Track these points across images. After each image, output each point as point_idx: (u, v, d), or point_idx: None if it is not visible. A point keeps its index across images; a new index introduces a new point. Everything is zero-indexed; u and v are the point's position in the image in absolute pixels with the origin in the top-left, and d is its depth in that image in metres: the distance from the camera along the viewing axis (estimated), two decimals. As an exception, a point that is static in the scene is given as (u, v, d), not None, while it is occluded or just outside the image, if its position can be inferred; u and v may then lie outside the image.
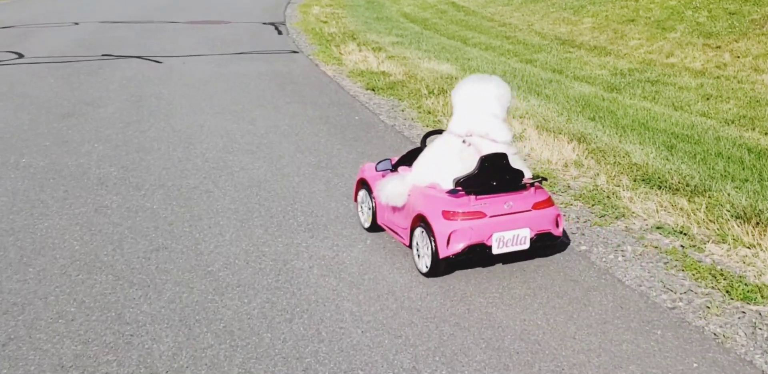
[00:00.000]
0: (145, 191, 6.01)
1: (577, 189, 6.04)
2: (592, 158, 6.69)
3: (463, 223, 4.29)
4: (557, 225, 4.57)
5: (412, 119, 8.22)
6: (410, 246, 4.65)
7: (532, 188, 4.50)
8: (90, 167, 6.66)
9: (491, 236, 4.33)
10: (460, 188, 4.32)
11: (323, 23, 17.01)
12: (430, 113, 8.43)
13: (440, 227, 4.30)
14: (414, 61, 11.70)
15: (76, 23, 18.16)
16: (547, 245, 4.64)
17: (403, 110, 8.60)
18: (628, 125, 7.85)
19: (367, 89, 9.79)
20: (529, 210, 4.43)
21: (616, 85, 10.59)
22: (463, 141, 4.47)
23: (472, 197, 4.33)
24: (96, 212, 5.59)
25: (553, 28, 16.16)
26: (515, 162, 4.44)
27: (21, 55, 13.13)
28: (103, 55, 13.01)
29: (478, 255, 4.38)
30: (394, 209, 4.75)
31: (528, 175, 4.52)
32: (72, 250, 4.91)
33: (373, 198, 4.96)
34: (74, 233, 5.19)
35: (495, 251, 4.37)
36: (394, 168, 4.92)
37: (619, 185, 6.04)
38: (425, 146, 4.80)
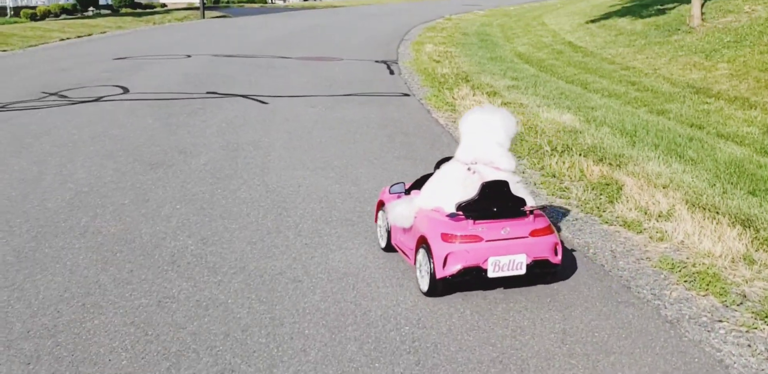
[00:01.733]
0: (222, 275, 4.83)
1: (757, 300, 4.53)
2: (765, 250, 5.18)
3: (459, 246, 4.36)
4: (556, 253, 4.54)
5: (535, 185, 6.87)
6: (414, 264, 4.70)
7: (532, 216, 4.52)
8: (165, 237, 5.53)
9: (487, 259, 4.37)
10: (460, 212, 4.40)
11: (436, 63, 15.78)
12: (554, 176, 7.09)
13: (438, 248, 4.37)
14: (532, 109, 10.31)
15: (189, 56, 17.48)
16: (546, 272, 4.60)
17: (523, 172, 7.24)
18: (800, 201, 6.23)
19: (484, 143, 8.47)
20: (527, 237, 4.45)
21: (772, 147, 8.81)
22: (468, 168, 4.62)
23: (471, 221, 4.41)
24: (158, 305, 4.42)
25: (683, 74, 14.22)
26: (518, 190, 4.55)
27: (126, 90, 12.38)
28: (207, 92, 12.09)
29: (474, 278, 4.40)
30: (405, 230, 4.83)
31: (531, 203, 4.57)
32: (117, 367, 3.72)
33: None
34: (125, 338, 4.03)
35: (490, 274, 4.40)
36: (407, 192, 5.04)
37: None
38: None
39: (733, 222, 5.64)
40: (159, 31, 27.70)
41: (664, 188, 6.55)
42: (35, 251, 5.29)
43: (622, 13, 23.61)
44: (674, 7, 20.85)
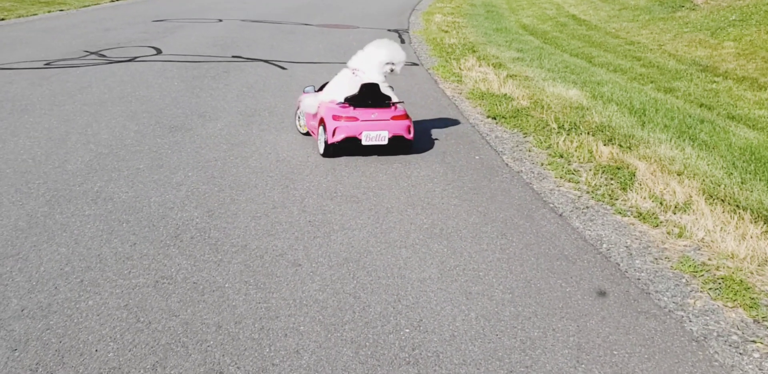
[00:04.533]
0: (223, 254, 4.11)
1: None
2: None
3: (343, 122, 5.67)
4: (409, 132, 5.86)
5: (542, 165, 6.02)
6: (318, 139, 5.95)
7: (393, 107, 5.81)
8: (173, 207, 4.81)
9: (361, 132, 5.70)
10: (345, 102, 5.76)
11: (444, 33, 14.76)
12: (562, 156, 6.19)
13: (330, 124, 5.68)
14: (538, 82, 9.34)
15: (220, 20, 16.48)
16: (402, 145, 5.93)
17: (529, 150, 6.42)
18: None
19: (488, 117, 7.62)
20: (389, 120, 5.75)
21: (787, 132, 7.76)
22: (353, 72, 5.97)
23: (351, 108, 5.74)
24: (155, 286, 3.72)
25: (689, 51, 12.84)
26: (385, 90, 5.87)
27: (159, 51, 11.50)
28: (233, 56, 11.21)
29: (353, 145, 5.75)
30: (312, 116, 6.15)
31: (394, 99, 5.89)
32: (102, 361, 3.04)
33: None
34: (116, 325, 3.36)
35: (364, 142, 5.74)
36: (315, 91, 6.29)
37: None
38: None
39: (755, 218, 4.70)
40: (198, -5, 26.51)
41: (678, 175, 5.59)
42: (46, 217, 4.59)
43: (625, -13, 21.98)
44: (678, -16, 19.41)
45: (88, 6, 20.54)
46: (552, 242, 4.42)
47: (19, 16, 17.20)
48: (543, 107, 7.79)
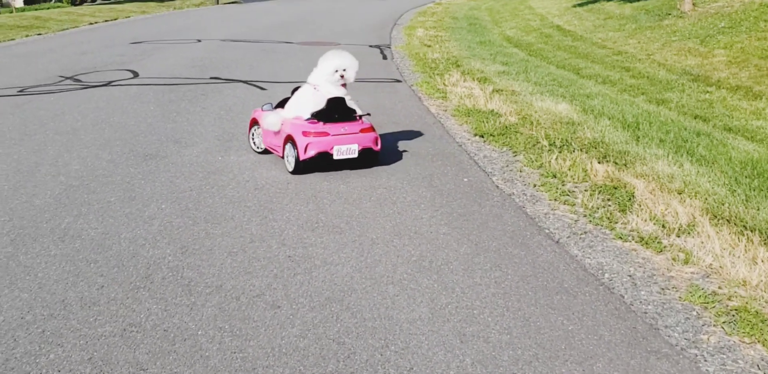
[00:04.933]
0: (196, 297, 3.82)
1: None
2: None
3: (314, 138, 5.73)
4: (376, 144, 5.95)
5: (534, 186, 5.74)
6: (282, 156, 6.06)
7: (360, 120, 5.93)
8: (144, 243, 4.51)
9: (333, 147, 5.77)
10: (314, 118, 5.84)
11: (427, 47, 14.55)
12: (555, 176, 5.90)
13: (300, 141, 5.74)
14: (525, 96, 9.08)
15: (199, 40, 16.25)
16: (370, 157, 6.00)
17: (520, 171, 6.15)
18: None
19: (476, 135, 7.36)
20: (357, 133, 5.85)
21: (787, 144, 7.36)
22: (314, 88, 5.97)
23: (321, 123, 5.82)
24: (122, 335, 3.42)
25: (679, 60, 12.50)
26: (350, 103, 5.95)
27: (136, 75, 11.24)
28: (211, 78, 10.95)
29: (324, 160, 5.80)
30: (274, 133, 6.14)
31: (359, 112, 5.97)
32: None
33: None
34: (75, 387, 3.03)
35: (335, 157, 5.81)
36: (274, 109, 6.29)
37: None
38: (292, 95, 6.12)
39: (765, 239, 4.39)
40: (177, 15, 26.30)
41: (679, 193, 5.27)
42: (9, 259, 4.29)
43: (609, -4, 21.83)
44: (663, -9, 19.21)
45: (67, 29, 20.31)
46: (550, 273, 4.14)
47: (-5, 42, 16.92)
48: (532, 122, 7.53)
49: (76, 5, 29.21)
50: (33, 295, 3.83)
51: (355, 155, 5.83)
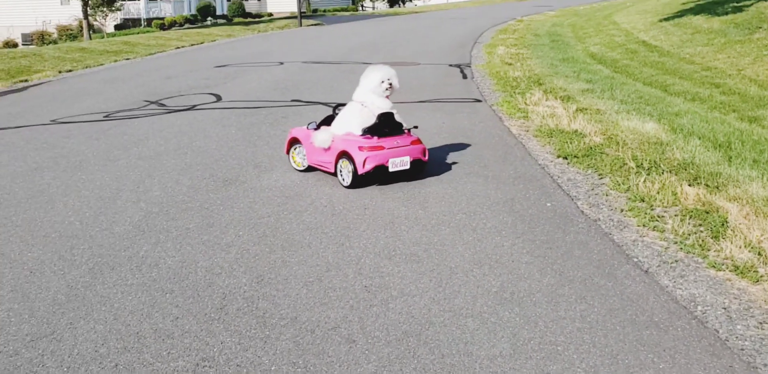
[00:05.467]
0: (270, 330, 3.74)
1: None
2: None
3: (371, 152, 6.02)
4: (424, 155, 6.30)
5: (621, 211, 5.47)
6: (334, 173, 6.34)
7: (408, 133, 6.28)
8: (220, 273, 4.48)
9: (388, 160, 6.09)
10: (367, 134, 6.13)
11: (508, 66, 14.33)
12: (644, 200, 5.61)
13: (358, 155, 6.01)
14: (610, 116, 8.76)
15: (281, 63, 16.50)
16: (419, 168, 6.32)
17: (606, 194, 5.88)
18: None
19: (559, 157, 7.12)
20: (408, 145, 6.20)
21: None
22: (362, 105, 6.23)
23: (375, 138, 6.11)
24: (194, 371, 3.36)
25: None
26: (397, 117, 6.25)
27: (219, 98, 11.45)
28: (292, 100, 11.05)
29: (380, 173, 6.10)
30: (324, 151, 6.36)
31: (406, 126, 6.31)
32: None
33: (305, 148, 6.62)
34: (145, 425, 2.97)
35: (391, 169, 6.12)
36: (317, 128, 6.55)
37: None
38: (336, 113, 6.46)
39: None
40: (261, 39, 26.90)
41: None
42: (87, 289, 4.32)
43: (696, 10, 20.80)
44: (751, 4, 18.32)
45: (154, 54, 20.99)
46: (639, 306, 3.89)
47: (86, 67, 17.62)
48: (618, 143, 7.23)
49: (164, 30, 30.24)
50: (108, 327, 3.83)
51: (407, 167, 6.14)
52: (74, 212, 5.79)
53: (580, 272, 4.33)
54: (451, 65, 15.22)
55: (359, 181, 6.07)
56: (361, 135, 6.11)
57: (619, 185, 5.98)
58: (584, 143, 7.39)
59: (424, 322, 3.76)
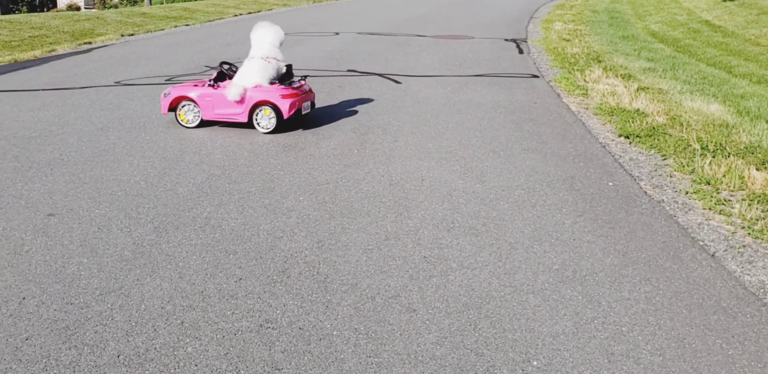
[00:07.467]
0: (331, 295, 3.73)
1: None
2: None
3: (292, 99, 6.90)
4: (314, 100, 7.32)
5: (686, 194, 5.32)
6: (248, 121, 7.07)
7: (303, 82, 7.20)
8: (282, 236, 4.48)
9: (302, 105, 7.05)
10: (276, 84, 6.98)
11: (565, 42, 14.01)
12: (709, 183, 5.45)
13: (282, 102, 6.85)
14: (673, 95, 8.51)
15: (337, 33, 16.37)
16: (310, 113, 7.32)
17: (670, 176, 5.72)
18: None
19: (620, 136, 6.94)
20: (309, 92, 7.28)
21: None
22: (266, 60, 6.99)
23: (290, 87, 6.98)
24: (259, 331, 3.37)
25: None
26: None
27: (277, 67, 11.35)
28: (348, 70, 10.96)
29: (297, 116, 7.00)
30: (233, 104, 7.00)
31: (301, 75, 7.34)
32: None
33: (197, 105, 7.19)
34: (212, 381, 2.99)
35: (302, 112, 7.09)
36: (213, 84, 7.21)
37: None
38: (222, 69, 7.30)
39: None
40: (317, 8, 26.72)
41: None
42: (153, 247, 4.36)
43: (762, -9, 20.22)
44: (820, -14, 17.65)
45: (213, 21, 21.01)
46: (706, 290, 3.78)
47: (147, 31, 17.72)
48: (682, 124, 7.02)
49: (223, -3, 30.22)
50: (173, 285, 3.86)
51: (309, 110, 7.23)
52: (139, 171, 5.83)
53: (644, 253, 4.23)
54: (506, 40, 14.94)
55: (280, 126, 6.91)
56: (279, 86, 6.95)
57: (683, 166, 5.81)
58: (647, 122, 7.19)
59: (485, 296, 3.71)
